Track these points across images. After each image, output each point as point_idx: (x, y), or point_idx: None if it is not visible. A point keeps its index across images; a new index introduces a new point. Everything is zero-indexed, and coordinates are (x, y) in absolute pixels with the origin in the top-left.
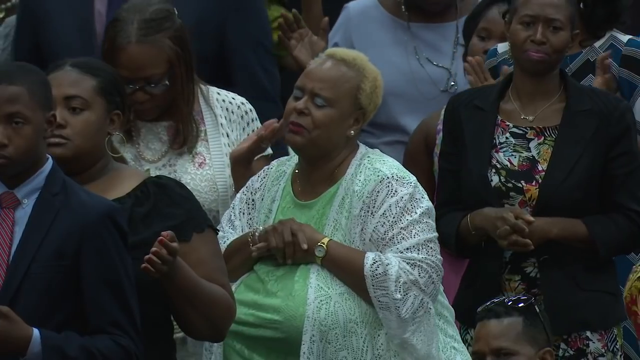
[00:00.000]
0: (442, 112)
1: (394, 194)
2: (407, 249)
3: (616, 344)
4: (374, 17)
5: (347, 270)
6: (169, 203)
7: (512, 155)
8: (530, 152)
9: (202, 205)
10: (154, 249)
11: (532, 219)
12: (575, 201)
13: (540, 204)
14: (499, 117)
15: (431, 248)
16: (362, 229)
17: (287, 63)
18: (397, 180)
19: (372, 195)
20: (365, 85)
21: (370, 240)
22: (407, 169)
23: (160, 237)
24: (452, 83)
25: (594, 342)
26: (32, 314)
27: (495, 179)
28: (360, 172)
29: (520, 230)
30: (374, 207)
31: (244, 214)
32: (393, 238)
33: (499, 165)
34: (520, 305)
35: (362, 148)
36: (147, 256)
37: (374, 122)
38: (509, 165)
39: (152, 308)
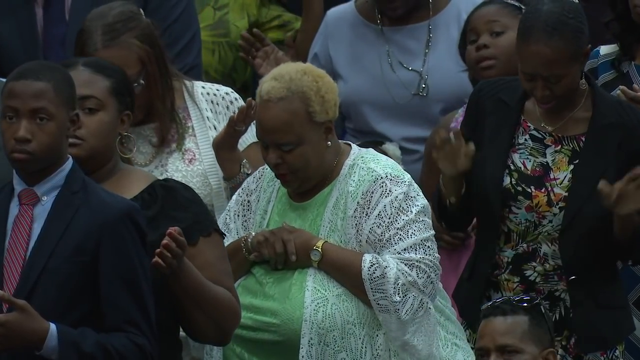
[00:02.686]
0: (459, 111)
1: (388, 193)
2: (405, 249)
3: (615, 351)
4: (350, 23)
5: (344, 273)
6: (176, 206)
7: (527, 158)
8: (546, 158)
9: None
10: (164, 241)
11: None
12: (603, 217)
13: (567, 217)
14: (522, 116)
15: (428, 247)
16: (357, 230)
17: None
18: (391, 179)
19: (367, 195)
20: (313, 104)
21: (367, 241)
22: (424, 167)
23: (169, 231)
24: (424, 86)
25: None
26: (48, 310)
27: (506, 180)
28: (354, 172)
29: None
30: (368, 207)
31: (238, 216)
32: (390, 239)
33: (512, 167)
34: (524, 304)
35: (355, 149)
36: (157, 250)
37: (354, 128)
38: (522, 168)
39: (158, 311)
